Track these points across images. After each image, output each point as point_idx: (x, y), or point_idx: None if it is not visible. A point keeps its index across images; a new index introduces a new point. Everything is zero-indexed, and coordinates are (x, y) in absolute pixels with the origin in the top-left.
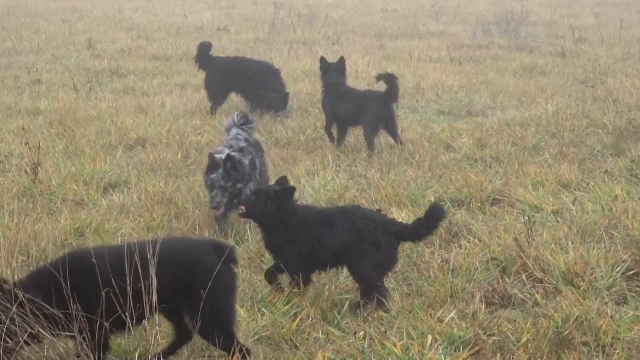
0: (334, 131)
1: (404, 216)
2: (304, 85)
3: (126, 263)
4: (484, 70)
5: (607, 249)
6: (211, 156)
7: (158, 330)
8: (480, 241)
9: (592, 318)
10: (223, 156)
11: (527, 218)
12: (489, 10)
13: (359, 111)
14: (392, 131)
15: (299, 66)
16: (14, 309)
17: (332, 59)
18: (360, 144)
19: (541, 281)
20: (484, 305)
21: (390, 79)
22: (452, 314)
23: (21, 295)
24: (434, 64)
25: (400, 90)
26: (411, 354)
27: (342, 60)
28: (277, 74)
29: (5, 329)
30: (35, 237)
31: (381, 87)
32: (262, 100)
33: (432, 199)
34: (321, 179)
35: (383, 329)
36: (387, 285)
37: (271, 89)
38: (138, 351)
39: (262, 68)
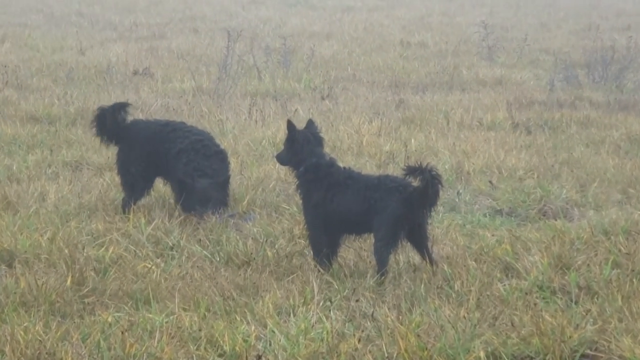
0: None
1: None
2: (273, 167)
3: None
4: (567, 143)
5: None
6: None
7: None
8: None
9: None
10: None
11: None
12: (575, 44)
13: (368, 209)
14: (420, 243)
15: (266, 134)
16: None
17: (320, 120)
18: (363, 261)
19: None
20: None
21: (427, 177)
22: None
23: None
24: (485, 132)
25: (439, 191)
26: None
27: (311, 124)
28: (219, 156)
29: None
30: None
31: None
32: (182, 191)
33: (482, 355)
34: (300, 321)
35: None
36: None
37: (198, 173)
38: None
39: (193, 145)
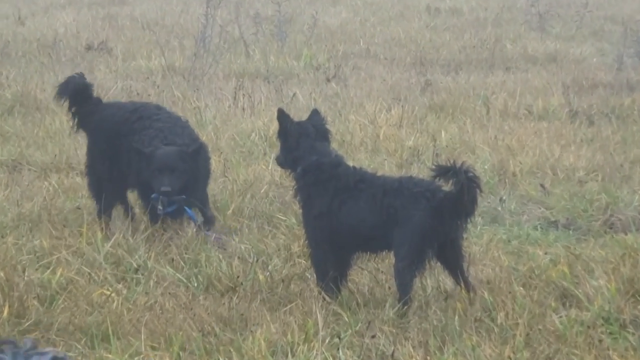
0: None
1: None
2: (265, 167)
3: None
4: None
5: None
6: None
7: None
8: None
9: None
10: None
11: None
12: None
13: (386, 220)
14: (453, 263)
15: (256, 125)
16: None
17: (325, 108)
18: (381, 287)
19: None
20: None
21: (462, 180)
22: None
23: None
24: (535, 122)
25: (477, 198)
26: None
27: (316, 115)
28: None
29: None
30: None
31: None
32: (132, 161)
33: None
34: None
35: None
36: None
37: (164, 142)
38: None
39: (162, 128)
